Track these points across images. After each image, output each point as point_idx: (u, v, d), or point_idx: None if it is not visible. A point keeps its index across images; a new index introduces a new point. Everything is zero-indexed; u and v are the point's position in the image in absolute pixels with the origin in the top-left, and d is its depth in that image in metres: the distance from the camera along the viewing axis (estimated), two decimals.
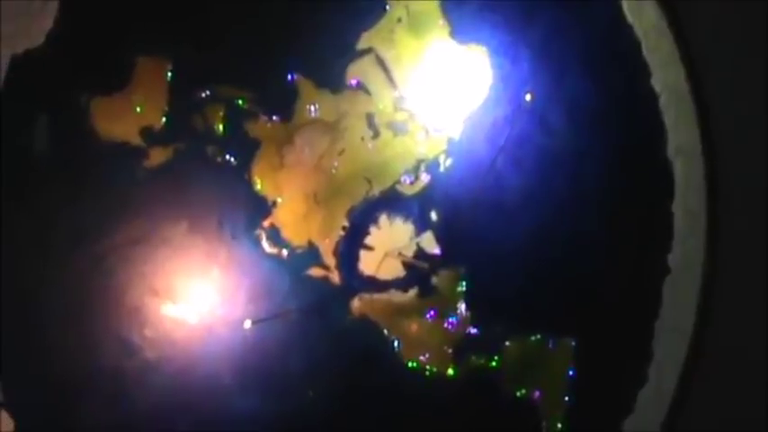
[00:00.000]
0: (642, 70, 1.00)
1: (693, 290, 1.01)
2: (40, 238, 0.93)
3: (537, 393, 1.01)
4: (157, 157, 0.95)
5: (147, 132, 0.95)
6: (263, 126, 0.96)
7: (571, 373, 1.01)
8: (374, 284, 0.99)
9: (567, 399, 1.01)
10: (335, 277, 0.98)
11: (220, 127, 0.96)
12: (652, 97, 1.00)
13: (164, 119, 0.95)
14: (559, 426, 1.01)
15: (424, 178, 0.99)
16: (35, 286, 0.93)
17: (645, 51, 0.99)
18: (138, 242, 0.94)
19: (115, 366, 0.94)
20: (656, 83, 0.99)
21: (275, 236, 0.97)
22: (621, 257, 1.01)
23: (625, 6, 0.99)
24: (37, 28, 0.92)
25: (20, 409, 0.93)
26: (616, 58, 1.00)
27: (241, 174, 0.96)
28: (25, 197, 0.93)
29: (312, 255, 0.98)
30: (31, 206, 0.93)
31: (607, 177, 1.00)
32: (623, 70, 1.00)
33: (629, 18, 0.99)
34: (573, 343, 1.01)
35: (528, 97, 0.97)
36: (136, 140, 0.95)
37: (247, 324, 0.95)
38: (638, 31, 0.99)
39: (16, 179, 0.93)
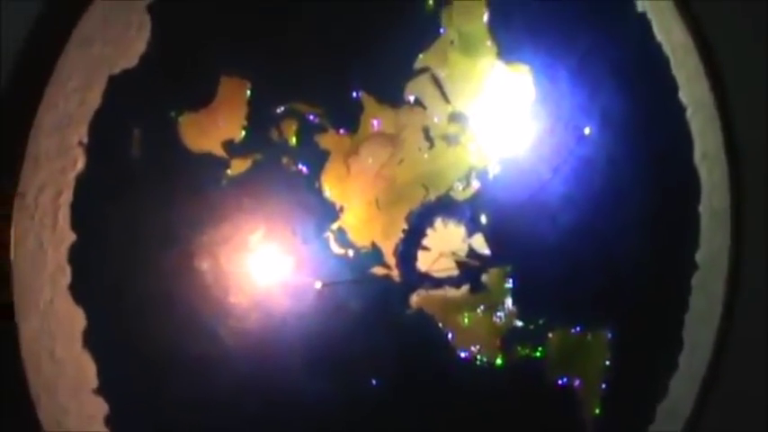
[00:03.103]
0: (671, 84, 1.23)
1: (719, 283, 1.27)
2: (135, 236, 1.12)
3: (577, 381, 1.25)
4: (238, 167, 1.16)
5: (228, 145, 1.15)
6: (332, 138, 1.18)
7: (608, 362, 1.29)
8: (430, 281, 1.22)
9: (604, 386, 1.27)
10: (396, 275, 1.21)
11: (294, 139, 1.17)
12: (680, 109, 1.23)
13: (243, 132, 1.16)
14: (597, 411, 1.26)
15: (475, 185, 1.20)
16: (130, 280, 1.12)
17: (673, 67, 1.24)
18: (221, 243, 1.19)
19: (201, 353, 1.14)
20: (684, 96, 1.23)
21: (342, 238, 1.19)
22: (654, 255, 1.24)
23: (655, 26, 1.21)
24: (132, 51, 1.12)
25: (114, 394, 1.13)
26: (647, 73, 1.23)
27: (312, 182, 1.17)
28: (123, 200, 1.12)
29: (375, 255, 1.19)
30: (128, 209, 1.12)
31: (640, 182, 1.22)
32: (654, 84, 1.23)
33: (659, 37, 1.22)
34: (609, 334, 1.28)
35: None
36: (219, 152, 1.15)
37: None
38: (667, 48, 1.22)
39: (115, 184, 1.13)
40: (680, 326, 1.25)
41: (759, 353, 1.24)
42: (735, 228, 1.24)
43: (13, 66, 1.12)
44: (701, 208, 1.24)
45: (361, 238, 1.19)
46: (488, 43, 1.20)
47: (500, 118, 1.20)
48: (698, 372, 1.25)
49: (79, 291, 1.13)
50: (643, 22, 1.22)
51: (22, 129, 1.10)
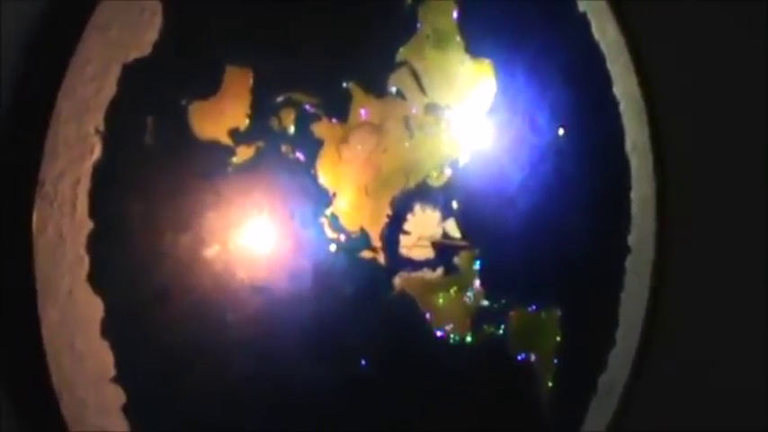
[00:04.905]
0: (607, 80, 1.41)
1: (648, 265, 1.47)
2: (149, 224, 1.18)
3: (533, 357, 1.40)
4: (243, 154, 1.24)
5: (234, 133, 1.23)
6: (325, 127, 1.28)
7: (558, 338, 1.47)
8: (411, 264, 1.34)
9: (555, 361, 1.43)
10: (381, 258, 1.33)
11: (292, 128, 1.27)
12: (614, 102, 1.41)
13: (247, 121, 1.24)
14: (550, 384, 1.40)
15: (447, 173, 1.33)
16: (145, 268, 1.19)
17: (608, 64, 1.41)
18: (228, 230, 1.29)
19: (213, 339, 1.21)
20: (617, 90, 1.40)
21: (335, 223, 1.28)
22: (595, 239, 1.42)
23: (593, 26, 1.41)
24: (145, 39, 1.17)
25: (131, 382, 1.19)
26: (588, 70, 1.39)
27: (308, 169, 1.26)
28: (137, 188, 1.18)
29: (363, 239, 1.30)
30: (142, 197, 1.17)
31: (582, 171, 1.40)
32: (593, 80, 1.39)
33: (597, 36, 1.40)
34: (559, 313, 1.47)
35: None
36: (225, 140, 1.22)
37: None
38: (603, 46, 1.38)
39: (130, 172, 1.19)
40: (616, 305, 1.42)
41: (686, 328, 1.44)
42: (659, 213, 1.42)
43: (26, 53, 1.15)
44: (632, 194, 1.41)
45: (352, 223, 1.29)
46: (457, 38, 1.32)
47: (468, 110, 1.34)
48: (631, 347, 1.43)
49: (97, 280, 1.18)
50: (583, 22, 1.38)
51: (40, 117, 1.14)
